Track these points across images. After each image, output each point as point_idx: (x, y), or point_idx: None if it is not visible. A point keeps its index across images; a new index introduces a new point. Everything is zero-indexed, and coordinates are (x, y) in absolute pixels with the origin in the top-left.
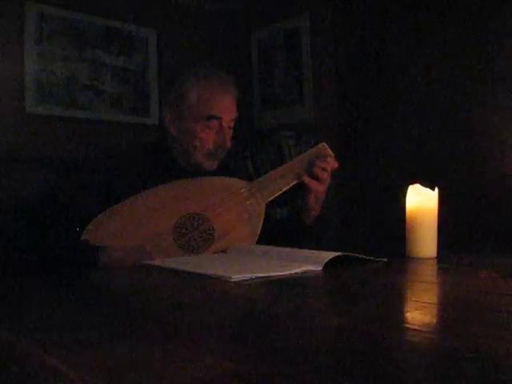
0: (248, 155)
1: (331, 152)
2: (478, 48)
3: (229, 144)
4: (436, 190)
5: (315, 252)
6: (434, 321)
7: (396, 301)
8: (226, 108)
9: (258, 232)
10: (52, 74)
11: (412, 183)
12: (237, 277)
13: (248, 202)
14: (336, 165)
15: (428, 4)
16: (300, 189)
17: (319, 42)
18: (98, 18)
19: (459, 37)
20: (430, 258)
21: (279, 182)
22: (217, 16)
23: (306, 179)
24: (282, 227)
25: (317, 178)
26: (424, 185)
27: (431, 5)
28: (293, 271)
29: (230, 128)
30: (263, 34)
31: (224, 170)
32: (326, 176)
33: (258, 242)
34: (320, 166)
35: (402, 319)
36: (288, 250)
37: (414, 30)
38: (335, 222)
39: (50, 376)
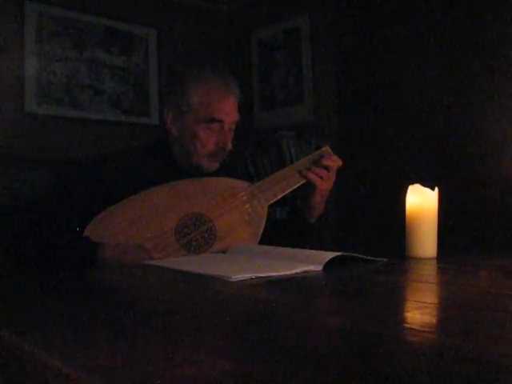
0: (248, 155)
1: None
2: (478, 48)
3: (230, 146)
4: (436, 189)
5: (315, 252)
6: (434, 321)
7: (396, 301)
8: (229, 111)
9: (260, 233)
10: (52, 74)
11: (412, 183)
12: (237, 277)
13: (250, 204)
14: (340, 163)
15: (428, 4)
16: (303, 188)
17: (319, 41)
18: (97, 18)
19: (459, 37)
20: (430, 258)
21: (282, 185)
22: (217, 16)
23: (312, 176)
24: (284, 227)
25: (322, 176)
26: (424, 185)
27: (431, 5)
28: (293, 271)
29: (231, 130)
30: (263, 34)
31: (224, 170)
32: (331, 174)
33: (260, 243)
34: (325, 164)
35: (402, 319)
36: (288, 249)
37: (414, 30)
38: (335, 221)
39: (50, 376)
